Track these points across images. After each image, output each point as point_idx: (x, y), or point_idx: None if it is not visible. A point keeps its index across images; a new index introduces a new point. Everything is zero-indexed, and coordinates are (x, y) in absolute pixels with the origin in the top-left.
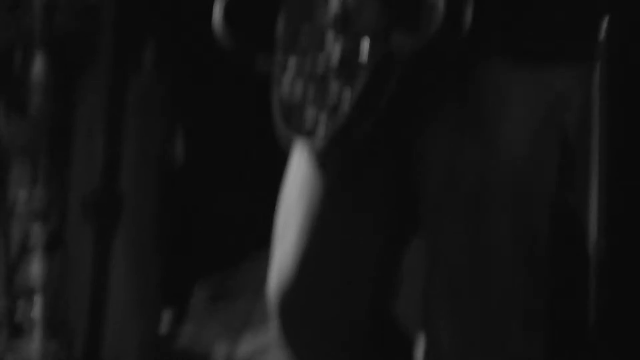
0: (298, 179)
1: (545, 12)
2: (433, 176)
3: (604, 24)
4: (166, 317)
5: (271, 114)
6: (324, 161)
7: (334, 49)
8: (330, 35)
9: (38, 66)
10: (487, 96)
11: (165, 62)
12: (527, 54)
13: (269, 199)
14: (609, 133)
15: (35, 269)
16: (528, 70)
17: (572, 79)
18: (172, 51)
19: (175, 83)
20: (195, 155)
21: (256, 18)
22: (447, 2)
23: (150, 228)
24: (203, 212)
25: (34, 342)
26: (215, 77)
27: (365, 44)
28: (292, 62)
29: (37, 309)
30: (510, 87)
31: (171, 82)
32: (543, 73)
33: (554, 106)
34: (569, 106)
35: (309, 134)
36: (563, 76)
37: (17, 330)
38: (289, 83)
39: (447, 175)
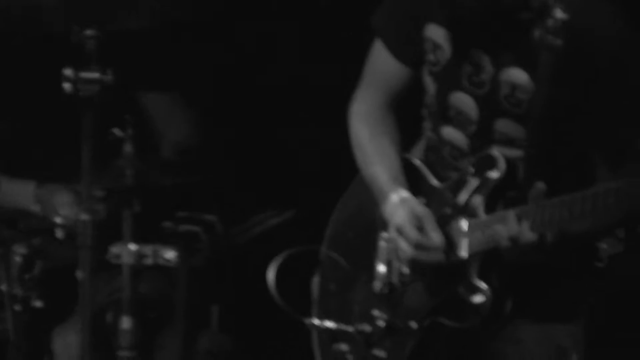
0: None
1: (550, 290)
2: None
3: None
4: None
5: None
6: None
7: (378, 320)
8: (375, 310)
9: (125, 324)
10: (507, 348)
11: (228, 322)
12: (538, 315)
13: None
14: None
15: None
16: (539, 328)
17: (570, 336)
18: (235, 314)
19: (237, 340)
20: None
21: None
22: (492, 295)
23: None
24: None
25: None
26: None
27: (413, 323)
28: (336, 326)
29: None
30: (525, 338)
31: (234, 338)
32: (549, 329)
33: (557, 356)
34: (568, 357)
35: None
36: (564, 333)
37: None
38: (336, 347)
39: None
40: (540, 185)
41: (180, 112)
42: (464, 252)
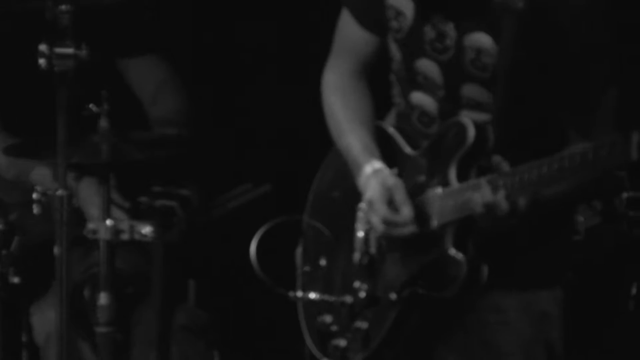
0: None
1: (528, 257)
2: None
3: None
4: None
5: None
6: None
7: (359, 292)
8: (356, 282)
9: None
10: (489, 317)
11: (205, 296)
12: (518, 282)
13: None
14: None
15: None
16: (521, 295)
17: (553, 301)
18: (211, 288)
19: (214, 314)
20: None
21: (280, 256)
22: (468, 264)
23: None
24: None
25: None
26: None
27: (392, 294)
28: (318, 298)
29: None
30: (507, 307)
31: (211, 313)
32: (530, 296)
33: (541, 322)
34: (552, 322)
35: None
36: (547, 299)
37: None
38: (320, 318)
39: None
40: (496, 159)
41: (168, 88)
42: (435, 221)
